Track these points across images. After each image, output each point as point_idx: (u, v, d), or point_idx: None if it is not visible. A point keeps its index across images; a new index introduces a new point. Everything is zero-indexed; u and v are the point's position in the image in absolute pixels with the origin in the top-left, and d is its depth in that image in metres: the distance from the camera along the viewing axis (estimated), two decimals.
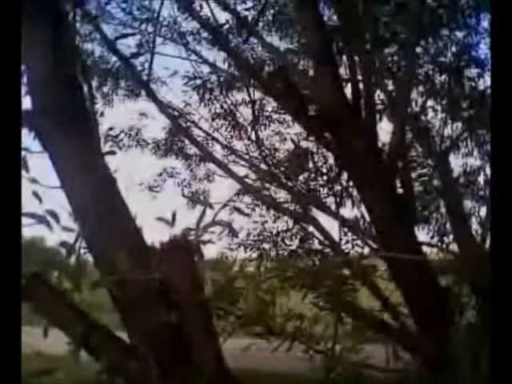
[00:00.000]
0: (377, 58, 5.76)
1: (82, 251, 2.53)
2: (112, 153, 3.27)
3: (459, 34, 6.55)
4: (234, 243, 7.81)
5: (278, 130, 8.09)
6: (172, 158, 9.14)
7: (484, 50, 6.50)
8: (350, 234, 6.76)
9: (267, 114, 7.94)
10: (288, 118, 7.57)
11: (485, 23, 6.25)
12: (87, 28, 7.01)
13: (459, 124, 6.91)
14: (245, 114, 7.98)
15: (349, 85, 4.76)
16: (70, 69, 2.92)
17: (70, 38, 3.44)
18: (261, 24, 7.08)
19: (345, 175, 6.53)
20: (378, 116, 5.47)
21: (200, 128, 7.80)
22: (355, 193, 6.33)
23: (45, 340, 2.45)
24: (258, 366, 7.12)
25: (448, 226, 6.94)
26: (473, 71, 6.70)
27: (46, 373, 2.27)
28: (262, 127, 7.92)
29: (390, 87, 6.39)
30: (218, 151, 7.85)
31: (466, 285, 4.71)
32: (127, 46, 7.18)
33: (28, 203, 2.28)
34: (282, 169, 7.44)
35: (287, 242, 7.46)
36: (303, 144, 7.26)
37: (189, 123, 7.85)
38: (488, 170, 6.87)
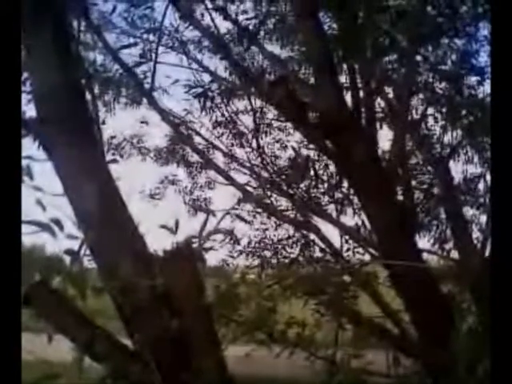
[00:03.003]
0: (377, 66, 5.79)
1: (86, 258, 2.55)
2: (114, 161, 3.29)
3: (459, 42, 6.59)
4: (235, 251, 7.84)
5: (279, 138, 8.12)
6: (173, 166, 9.19)
7: (484, 57, 6.54)
8: (350, 241, 6.78)
9: (268, 121, 7.97)
10: (289, 125, 7.60)
11: (484, 31, 6.29)
12: (89, 37, 7.04)
13: (459, 131, 6.93)
14: (246, 121, 8.02)
15: (349, 93, 4.80)
16: (74, 77, 2.95)
17: (73, 47, 3.47)
18: (262, 33, 7.12)
19: (345, 183, 6.55)
20: (378, 124, 5.49)
21: (201, 136, 7.83)
22: (356, 200, 6.35)
23: (47, 347, 2.47)
24: (260, 372, 7.12)
25: (448, 233, 6.95)
26: (472, 79, 6.74)
27: (48, 378, 2.28)
28: (263, 135, 7.95)
29: (390, 95, 6.42)
30: (219, 159, 7.89)
31: (467, 291, 4.72)
32: (129, 54, 7.23)
33: (32, 211, 2.30)
34: (283, 176, 7.46)
35: (288, 249, 7.48)
36: (304, 152, 7.31)
37: (190, 131, 7.87)
38: (488, 177, 6.89)
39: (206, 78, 7.51)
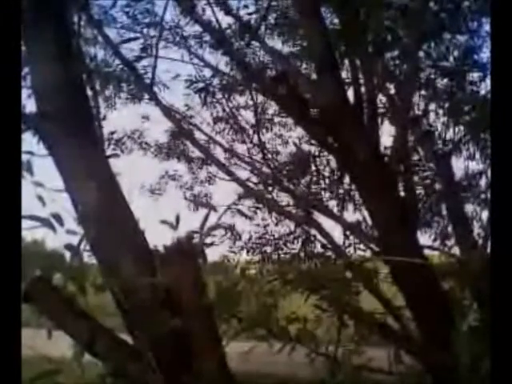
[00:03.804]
0: (379, 62, 5.77)
1: (87, 254, 2.54)
2: (115, 155, 3.29)
3: (461, 38, 6.57)
4: (236, 246, 7.84)
5: (280, 134, 8.13)
6: (174, 161, 9.19)
7: (486, 53, 6.51)
8: (352, 237, 6.77)
9: (269, 117, 7.97)
10: (290, 121, 7.59)
11: (487, 27, 6.26)
12: (90, 32, 7.02)
13: (461, 127, 6.92)
14: (247, 117, 8.02)
15: (351, 88, 4.78)
16: (74, 72, 2.94)
17: (73, 42, 3.46)
18: (263, 28, 7.09)
19: (347, 178, 6.54)
20: (379, 119, 5.47)
21: (202, 131, 7.82)
22: (357, 196, 6.34)
23: (47, 342, 2.47)
24: (261, 368, 7.13)
25: (450, 229, 6.94)
26: (475, 75, 6.72)
27: (48, 374, 2.28)
28: (264, 130, 7.95)
29: (392, 91, 6.40)
30: (219, 154, 7.88)
31: (468, 288, 4.70)
32: (130, 49, 7.20)
33: (32, 206, 2.30)
34: (284, 172, 7.45)
35: (289, 245, 7.47)
36: (305, 147, 7.30)
37: (191, 126, 7.86)
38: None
39: (207, 73, 7.50)
